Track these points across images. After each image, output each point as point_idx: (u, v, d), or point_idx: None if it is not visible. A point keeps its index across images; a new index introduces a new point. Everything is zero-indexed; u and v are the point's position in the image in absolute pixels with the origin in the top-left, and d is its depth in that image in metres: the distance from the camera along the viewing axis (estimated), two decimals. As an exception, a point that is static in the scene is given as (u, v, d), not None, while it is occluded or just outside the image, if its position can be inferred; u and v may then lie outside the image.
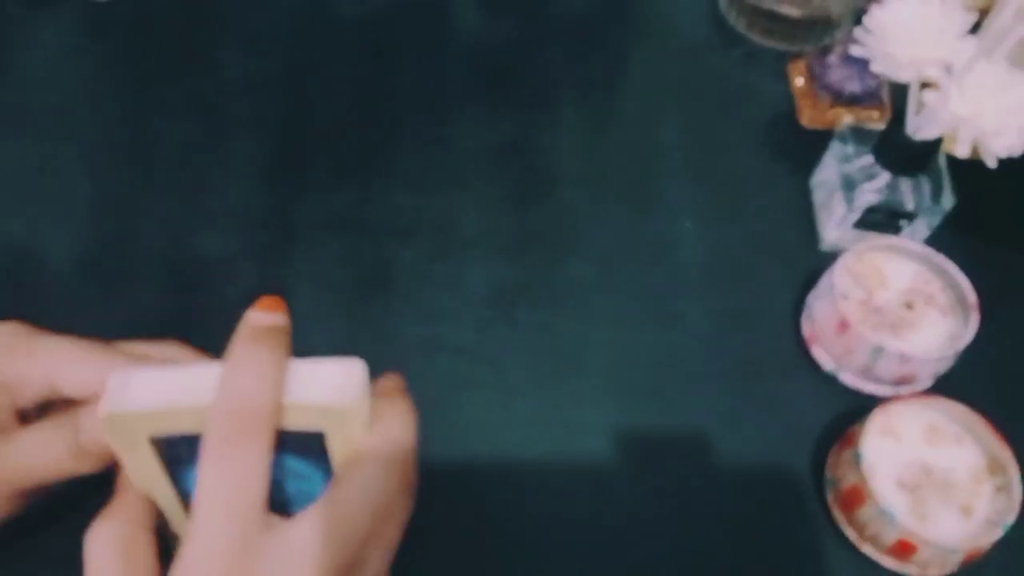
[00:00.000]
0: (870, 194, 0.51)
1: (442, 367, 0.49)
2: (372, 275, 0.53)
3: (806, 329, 0.51)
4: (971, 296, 0.48)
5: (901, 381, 0.48)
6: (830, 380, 0.50)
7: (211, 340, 0.35)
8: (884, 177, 0.51)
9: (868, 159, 0.52)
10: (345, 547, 0.28)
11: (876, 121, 0.60)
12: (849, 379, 0.49)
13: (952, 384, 0.48)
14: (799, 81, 0.63)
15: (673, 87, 0.63)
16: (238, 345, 0.29)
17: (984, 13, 0.54)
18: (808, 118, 0.61)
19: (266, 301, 0.31)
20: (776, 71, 0.65)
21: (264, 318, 0.30)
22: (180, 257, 0.53)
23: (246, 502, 0.27)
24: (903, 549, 0.42)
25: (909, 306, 0.49)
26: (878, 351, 0.46)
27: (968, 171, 0.52)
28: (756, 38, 0.66)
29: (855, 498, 0.43)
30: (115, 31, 0.64)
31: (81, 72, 0.62)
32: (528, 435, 0.48)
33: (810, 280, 0.52)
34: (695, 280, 0.54)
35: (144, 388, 0.28)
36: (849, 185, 0.52)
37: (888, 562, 0.43)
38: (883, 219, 0.52)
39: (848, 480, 0.43)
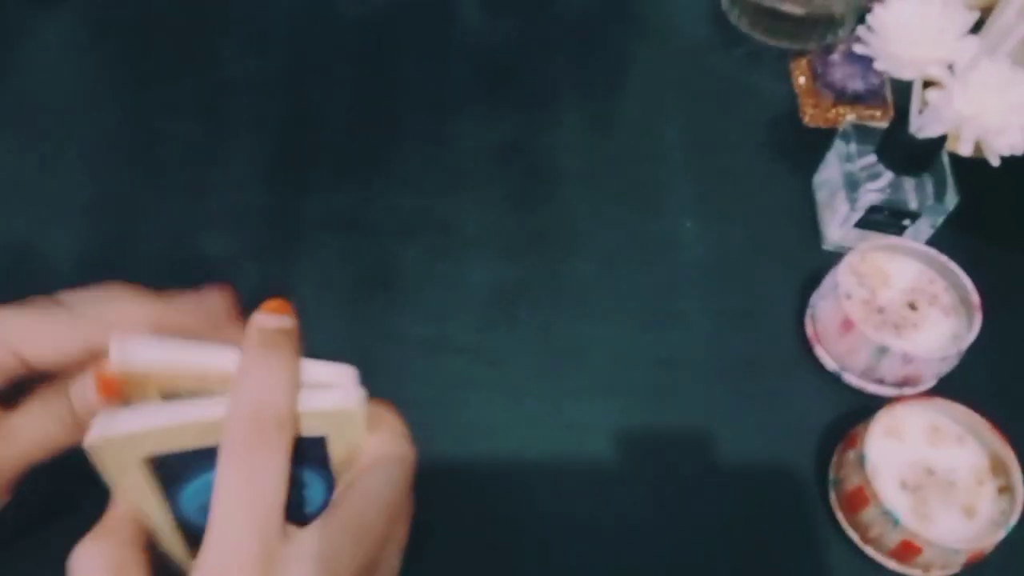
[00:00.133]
0: (873, 193, 0.51)
1: (443, 367, 0.49)
2: (373, 275, 0.53)
3: (809, 329, 0.51)
4: (975, 296, 0.48)
5: (904, 381, 0.48)
6: (833, 380, 0.50)
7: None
8: (887, 176, 0.51)
9: (871, 158, 0.51)
10: (364, 551, 0.28)
11: (879, 120, 0.60)
12: (852, 379, 0.49)
13: (954, 384, 0.48)
14: (801, 80, 0.63)
15: (674, 86, 0.63)
16: (250, 350, 0.28)
17: (987, 12, 0.54)
18: (810, 117, 0.61)
19: (272, 304, 0.30)
20: (778, 70, 0.64)
21: (272, 321, 0.30)
22: (181, 257, 0.53)
23: (267, 511, 0.26)
24: (906, 550, 0.42)
25: (912, 306, 0.49)
26: (882, 351, 0.46)
27: (971, 170, 0.52)
28: (758, 37, 0.66)
29: (858, 499, 0.43)
30: (116, 31, 0.64)
31: (82, 72, 0.62)
32: (529, 435, 0.47)
33: (812, 280, 0.52)
34: (697, 280, 0.54)
35: (135, 409, 0.27)
36: (852, 184, 0.52)
37: (891, 564, 0.43)
38: (886, 218, 0.52)
39: (851, 481, 0.43)
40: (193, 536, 0.30)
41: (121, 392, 0.28)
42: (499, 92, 0.62)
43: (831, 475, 0.46)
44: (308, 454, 0.29)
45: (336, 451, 0.29)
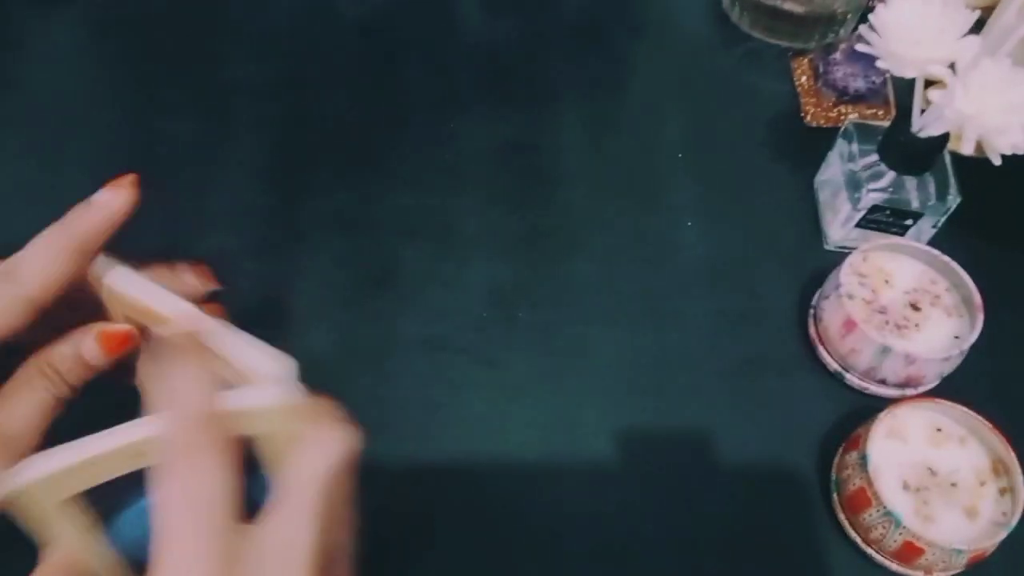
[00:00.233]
0: (875, 193, 0.51)
1: (443, 367, 0.49)
2: (374, 274, 0.53)
3: (811, 329, 0.51)
4: (977, 296, 0.48)
5: (906, 382, 0.48)
6: (835, 381, 0.50)
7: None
8: (889, 176, 0.51)
9: (872, 158, 0.51)
10: (319, 536, 0.28)
11: (880, 119, 0.60)
12: (854, 380, 0.49)
13: (956, 385, 0.48)
14: (803, 79, 0.63)
15: (675, 86, 0.63)
16: (161, 360, 0.28)
17: (987, 11, 0.54)
18: (812, 116, 0.61)
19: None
20: (779, 69, 0.64)
21: (173, 331, 0.30)
22: (182, 257, 0.53)
23: (215, 510, 0.26)
24: (909, 551, 0.42)
25: (914, 306, 0.49)
26: (884, 351, 0.46)
27: (973, 169, 0.52)
28: (759, 36, 0.66)
29: (860, 501, 0.43)
30: (116, 31, 0.64)
31: (82, 72, 0.62)
32: (529, 435, 0.47)
33: (814, 280, 0.52)
34: (698, 280, 0.53)
35: (49, 452, 0.27)
36: (854, 184, 0.52)
37: (893, 565, 0.43)
38: (888, 218, 0.52)
39: (853, 482, 0.43)
40: (139, 566, 0.29)
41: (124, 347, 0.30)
42: (499, 92, 0.62)
43: (833, 476, 0.46)
44: (248, 451, 0.28)
45: (275, 446, 0.29)
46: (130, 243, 0.55)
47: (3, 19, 0.64)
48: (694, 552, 0.45)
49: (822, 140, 0.56)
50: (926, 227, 0.52)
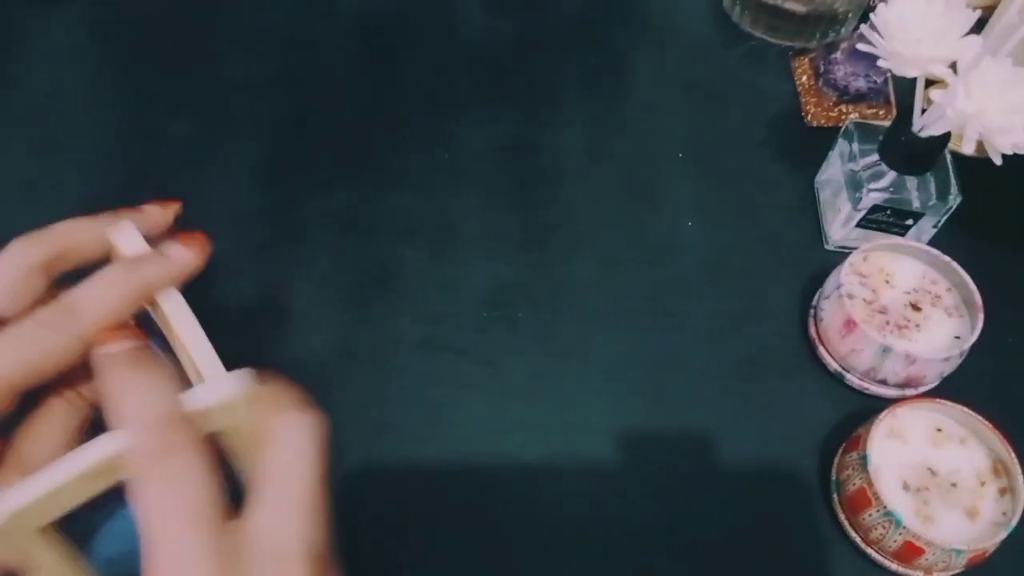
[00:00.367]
0: (876, 193, 0.51)
1: (443, 367, 0.49)
2: (373, 274, 0.53)
3: (811, 329, 0.51)
4: (977, 297, 0.48)
5: (907, 382, 0.48)
6: (835, 381, 0.50)
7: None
8: (890, 176, 0.51)
9: (873, 157, 0.51)
10: (307, 521, 0.28)
11: (881, 119, 0.60)
12: (854, 380, 0.49)
13: (956, 386, 0.48)
14: (804, 78, 0.63)
15: (676, 85, 0.63)
16: (110, 375, 0.28)
17: (989, 11, 0.54)
18: (813, 116, 0.61)
19: (108, 334, 0.30)
20: (780, 68, 0.64)
21: (117, 347, 0.29)
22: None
23: (200, 509, 0.26)
24: (909, 551, 0.42)
25: (915, 306, 0.49)
26: (885, 351, 0.46)
27: (974, 169, 0.51)
28: (760, 35, 0.66)
29: (860, 501, 0.43)
30: (116, 31, 0.64)
31: (82, 72, 0.62)
32: (529, 436, 0.47)
33: (815, 280, 0.52)
34: (698, 280, 0.53)
35: (12, 487, 0.26)
36: (855, 184, 0.51)
37: (893, 565, 0.43)
38: (888, 218, 0.52)
39: (853, 483, 0.43)
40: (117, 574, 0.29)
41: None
42: (500, 91, 0.62)
43: (833, 476, 0.46)
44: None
45: (241, 439, 0.29)
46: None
47: (3, 19, 0.64)
48: (694, 552, 0.45)
49: (823, 140, 0.56)
50: (927, 227, 0.52)
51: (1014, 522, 0.41)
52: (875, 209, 0.51)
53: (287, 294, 0.52)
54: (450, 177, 0.57)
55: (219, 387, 0.28)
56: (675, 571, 0.44)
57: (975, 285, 0.48)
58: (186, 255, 0.35)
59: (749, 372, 0.50)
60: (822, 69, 0.61)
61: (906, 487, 0.43)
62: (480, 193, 0.56)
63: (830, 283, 0.49)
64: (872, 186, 0.51)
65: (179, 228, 0.55)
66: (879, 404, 0.46)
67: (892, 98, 0.60)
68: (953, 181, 0.51)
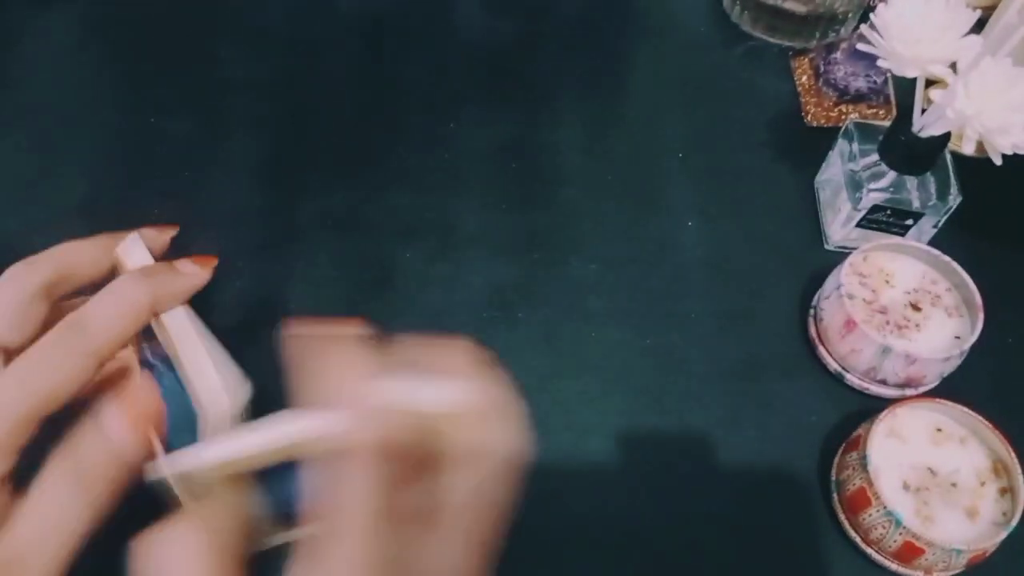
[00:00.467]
0: (875, 193, 0.51)
1: (443, 368, 0.49)
2: (372, 275, 0.53)
3: (811, 330, 0.51)
4: (977, 297, 0.48)
5: (907, 382, 0.48)
6: (835, 381, 0.50)
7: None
8: (890, 176, 0.51)
9: (873, 157, 0.51)
10: (474, 557, 0.28)
11: (881, 119, 0.60)
12: (854, 380, 0.49)
13: (956, 385, 0.48)
14: (803, 78, 0.63)
15: (675, 85, 0.63)
16: (332, 359, 0.28)
17: (988, 11, 0.54)
18: (812, 115, 0.61)
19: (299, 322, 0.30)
20: (780, 68, 0.64)
21: (315, 330, 0.29)
22: (179, 257, 0.52)
23: (384, 517, 0.26)
24: (909, 552, 0.41)
25: (915, 306, 0.49)
26: (885, 351, 0.46)
27: (974, 169, 0.51)
28: (760, 35, 0.66)
29: (860, 501, 0.43)
30: (114, 30, 0.64)
31: (80, 71, 0.62)
32: (529, 435, 0.47)
33: (815, 280, 0.52)
34: (698, 280, 0.53)
35: (212, 441, 0.28)
36: (854, 184, 0.51)
37: (893, 565, 0.43)
38: (888, 218, 0.52)
39: (853, 483, 0.43)
40: (282, 512, 0.30)
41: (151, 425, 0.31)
42: (498, 91, 0.62)
43: (833, 476, 0.46)
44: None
45: (439, 446, 0.29)
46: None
47: (2, 19, 0.64)
48: (694, 552, 0.45)
49: (823, 140, 0.56)
50: (927, 227, 0.52)
51: (1014, 522, 0.41)
52: (875, 209, 0.51)
53: (286, 294, 0.52)
54: (450, 177, 0.57)
55: (440, 393, 0.28)
56: (675, 571, 0.44)
57: (975, 285, 0.48)
58: (195, 269, 0.34)
59: (749, 372, 0.50)
60: (822, 69, 0.61)
61: (906, 487, 0.43)
62: (480, 193, 0.56)
63: (830, 283, 0.49)
64: (872, 186, 0.51)
65: (179, 228, 0.55)
66: (879, 404, 0.46)
67: (892, 98, 0.60)
68: (953, 181, 0.51)
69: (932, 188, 0.51)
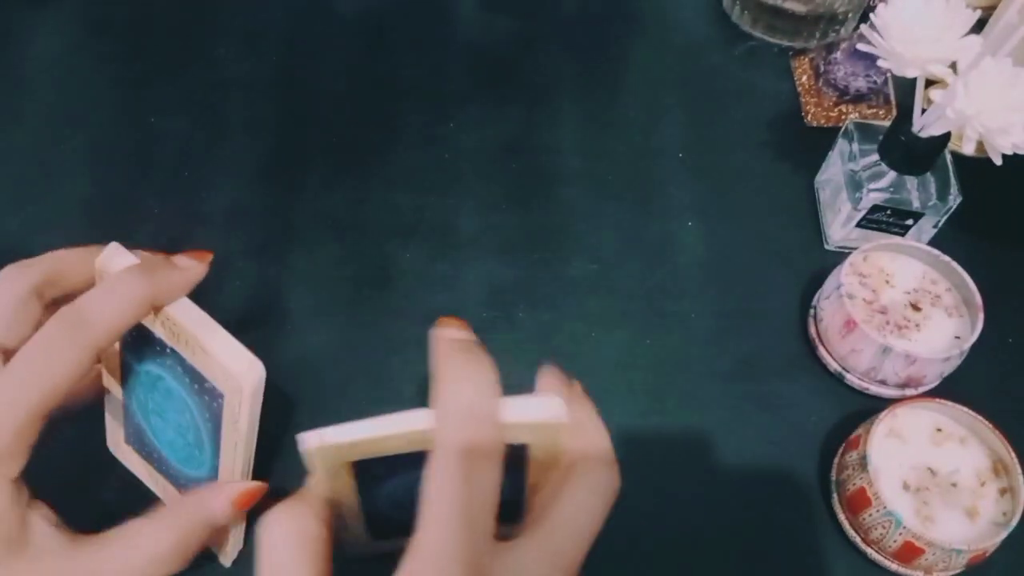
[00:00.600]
0: (875, 193, 0.51)
1: (442, 368, 0.49)
2: (371, 275, 0.53)
3: (811, 330, 0.51)
4: (977, 296, 0.48)
5: (907, 382, 0.48)
6: (835, 381, 0.50)
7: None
8: (890, 176, 0.51)
9: (873, 157, 0.51)
10: (568, 566, 0.27)
11: (881, 119, 0.60)
12: (854, 380, 0.49)
13: (956, 385, 0.48)
14: (803, 78, 0.63)
15: (675, 85, 0.63)
16: (448, 358, 0.28)
17: (989, 11, 0.54)
18: (812, 115, 0.61)
19: (452, 320, 0.30)
20: (780, 68, 0.64)
21: (460, 333, 0.29)
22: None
23: (480, 517, 0.26)
24: (909, 552, 0.41)
25: (915, 306, 0.49)
26: (885, 351, 0.46)
27: (974, 169, 0.51)
28: (759, 35, 0.66)
29: (860, 501, 0.43)
30: (113, 30, 0.64)
31: (78, 71, 0.62)
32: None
33: (815, 280, 0.52)
34: (697, 280, 0.53)
35: (348, 424, 0.28)
36: (854, 184, 0.51)
37: (893, 565, 0.43)
38: (889, 218, 0.52)
39: (854, 483, 0.43)
40: (377, 523, 0.32)
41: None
42: (497, 91, 0.62)
43: (833, 477, 0.46)
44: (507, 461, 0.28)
45: (536, 459, 0.29)
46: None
47: (2, 18, 0.64)
48: (693, 552, 0.45)
49: (823, 140, 0.56)
50: (927, 227, 0.52)
51: (1014, 522, 0.41)
52: (875, 209, 0.51)
53: (286, 294, 0.52)
54: (449, 177, 0.57)
55: (541, 407, 0.28)
56: (674, 571, 0.44)
57: (975, 285, 0.48)
58: (192, 263, 0.34)
59: (749, 372, 0.50)
60: (822, 69, 0.61)
61: (906, 487, 0.43)
62: (479, 193, 0.56)
63: (830, 283, 0.49)
64: (872, 186, 0.51)
65: (179, 229, 0.55)
66: (879, 404, 0.46)
67: (892, 98, 0.60)
68: (953, 181, 0.51)
69: (932, 188, 0.51)
